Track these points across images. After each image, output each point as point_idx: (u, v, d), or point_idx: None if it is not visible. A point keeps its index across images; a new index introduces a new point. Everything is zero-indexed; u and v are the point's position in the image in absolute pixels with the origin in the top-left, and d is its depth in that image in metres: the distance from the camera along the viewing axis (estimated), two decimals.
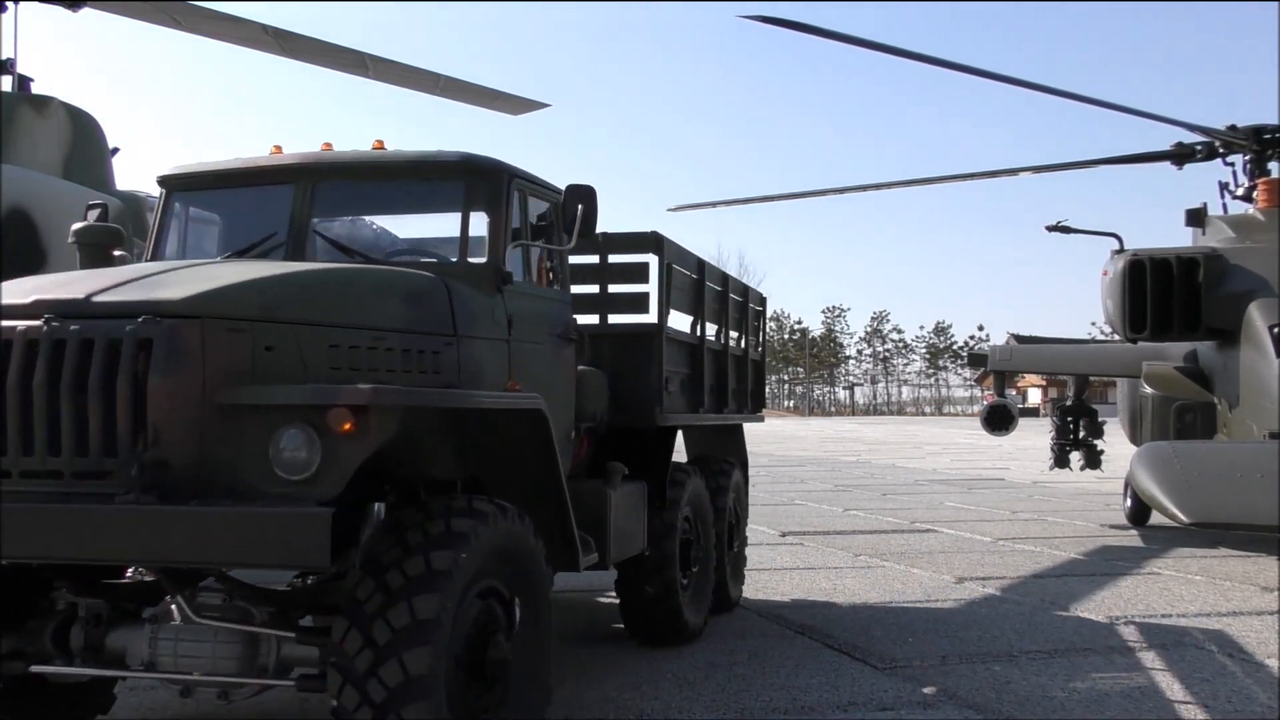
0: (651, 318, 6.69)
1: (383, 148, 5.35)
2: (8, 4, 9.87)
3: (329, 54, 9.19)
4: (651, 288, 6.70)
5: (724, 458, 8.27)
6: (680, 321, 7.10)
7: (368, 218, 5.51)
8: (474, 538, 3.87)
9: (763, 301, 9.45)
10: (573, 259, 6.24)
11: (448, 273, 4.83)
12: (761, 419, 9.41)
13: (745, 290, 8.75)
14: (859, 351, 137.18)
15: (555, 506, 4.84)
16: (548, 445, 4.60)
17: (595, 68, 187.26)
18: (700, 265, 7.34)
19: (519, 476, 4.75)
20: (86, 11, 10.47)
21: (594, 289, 6.82)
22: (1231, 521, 9.59)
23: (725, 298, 8.01)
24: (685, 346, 7.12)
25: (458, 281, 4.78)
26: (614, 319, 6.90)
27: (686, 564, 6.96)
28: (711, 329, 7.80)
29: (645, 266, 6.76)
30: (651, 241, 6.66)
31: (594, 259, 6.80)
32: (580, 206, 5.21)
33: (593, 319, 6.78)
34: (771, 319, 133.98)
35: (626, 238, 6.80)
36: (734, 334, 8.38)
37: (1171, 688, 5.92)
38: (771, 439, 43.09)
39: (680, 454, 7.52)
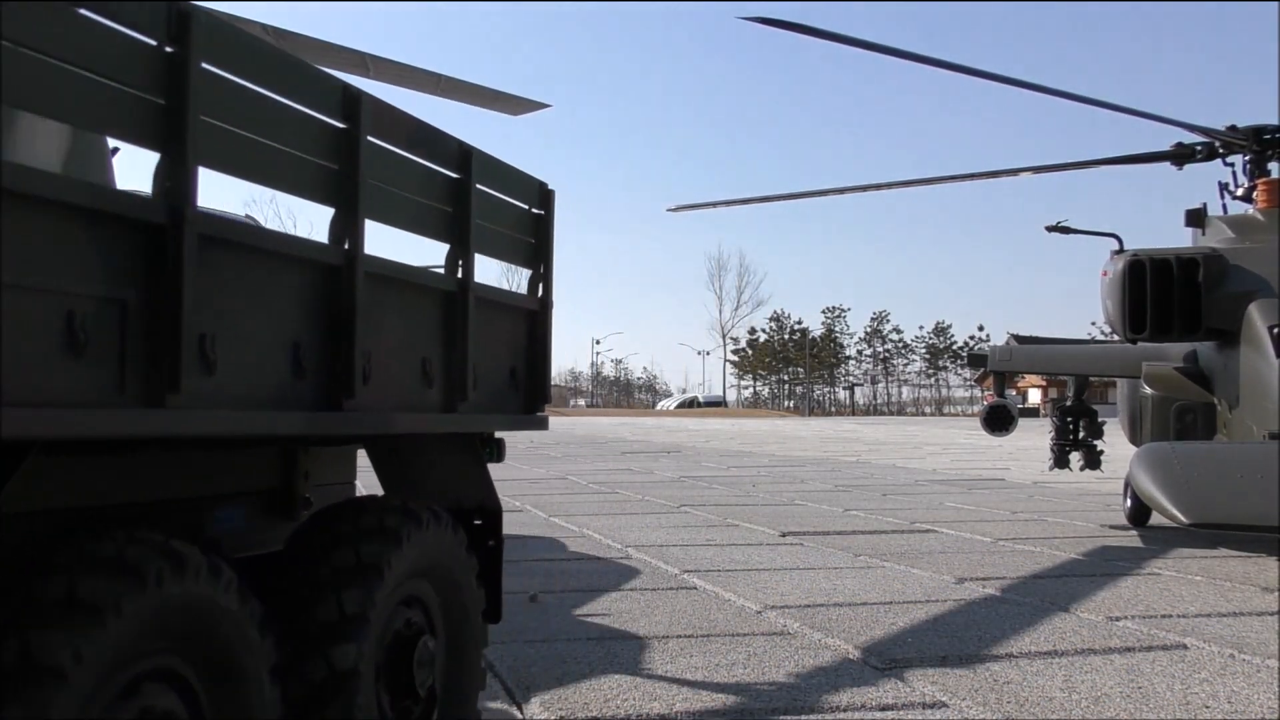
0: None
1: None
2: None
3: (329, 54, 9.17)
4: None
5: (390, 504, 3.91)
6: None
7: None
8: None
9: (544, 200, 4.74)
10: None
11: None
12: (542, 423, 4.86)
13: (465, 156, 4.04)
14: (859, 352, 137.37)
15: None
16: None
17: (595, 67, 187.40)
18: (273, 60, 3.14)
19: None
20: None
21: None
22: (1231, 522, 9.59)
23: (356, 151, 3.35)
24: (127, 230, 2.57)
25: None
26: None
27: None
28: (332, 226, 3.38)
29: None
30: None
31: None
32: None
33: None
34: (771, 319, 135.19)
35: None
36: (453, 253, 4.05)
37: (1171, 688, 5.92)
38: (773, 439, 43.61)
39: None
